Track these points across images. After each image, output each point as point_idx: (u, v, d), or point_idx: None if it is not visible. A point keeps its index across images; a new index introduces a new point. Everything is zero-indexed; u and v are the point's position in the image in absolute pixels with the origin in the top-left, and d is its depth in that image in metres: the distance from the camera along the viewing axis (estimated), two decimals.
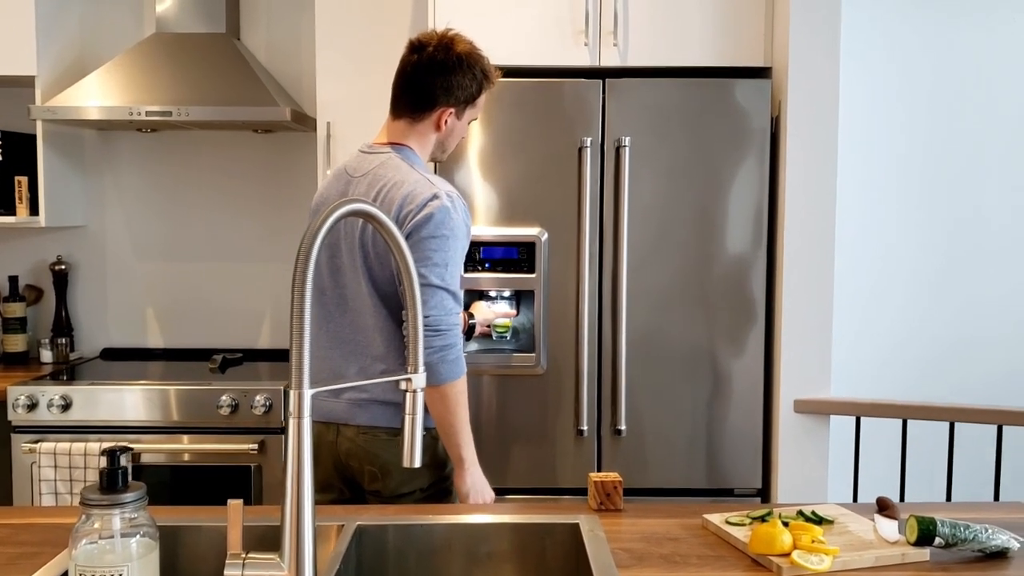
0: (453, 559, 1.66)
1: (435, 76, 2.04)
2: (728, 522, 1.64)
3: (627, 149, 2.79)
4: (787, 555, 1.46)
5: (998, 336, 3.62)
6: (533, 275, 2.81)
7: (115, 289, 3.58)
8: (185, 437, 2.90)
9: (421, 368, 1.40)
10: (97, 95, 3.05)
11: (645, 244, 2.84)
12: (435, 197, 1.95)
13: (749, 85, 2.81)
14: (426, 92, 2.04)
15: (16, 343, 3.40)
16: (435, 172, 2.76)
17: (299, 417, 1.20)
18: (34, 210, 3.21)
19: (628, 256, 2.82)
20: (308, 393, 1.20)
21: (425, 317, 1.92)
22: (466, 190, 2.76)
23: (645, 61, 2.89)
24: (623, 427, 2.85)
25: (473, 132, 2.78)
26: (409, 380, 1.38)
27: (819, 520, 1.64)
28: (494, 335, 2.68)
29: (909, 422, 2.86)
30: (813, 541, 1.50)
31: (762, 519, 1.65)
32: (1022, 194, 3.60)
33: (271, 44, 3.50)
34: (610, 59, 2.89)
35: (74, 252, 3.55)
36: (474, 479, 1.99)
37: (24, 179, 3.18)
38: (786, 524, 1.57)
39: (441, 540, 1.66)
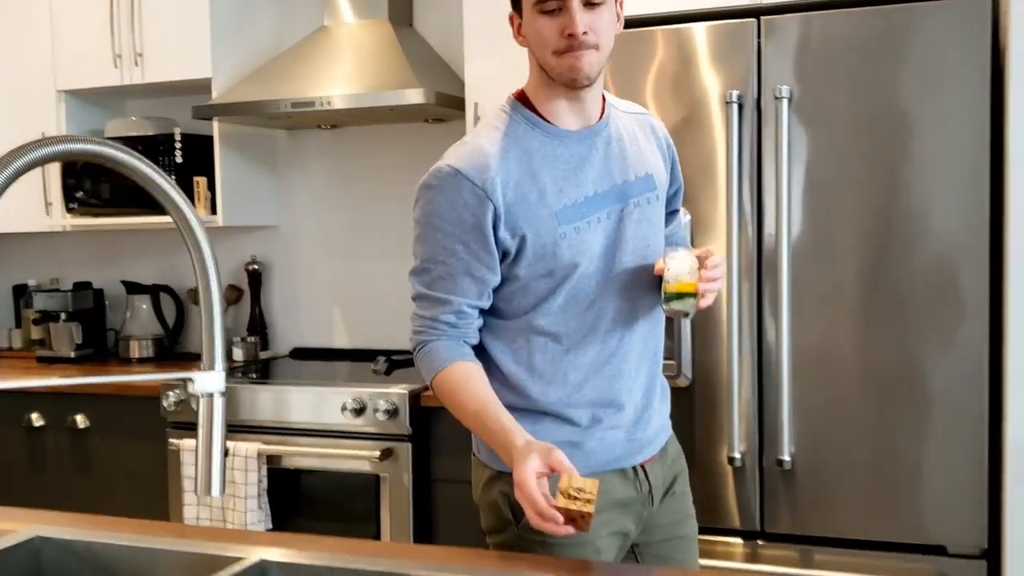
0: None
1: None
2: None
3: (786, 101, 2.20)
4: None
5: None
6: None
7: (305, 288, 3.56)
8: (307, 441, 2.75)
9: (217, 364, 1.06)
10: (250, 92, 3.02)
11: (815, 226, 2.22)
12: (432, 170, 1.58)
13: (958, 7, 2.11)
14: None
15: None
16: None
17: None
18: (215, 210, 3.26)
19: (792, 241, 2.23)
20: None
21: None
22: None
23: None
24: (786, 457, 2.25)
25: None
26: (191, 380, 1.05)
27: None
28: (666, 305, 1.56)
29: None
30: None
31: None
32: None
33: (444, 28, 3.29)
34: None
35: (268, 252, 3.59)
36: (513, 481, 1.39)
37: (203, 179, 3.24)
38: None
39: None
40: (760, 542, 2.31)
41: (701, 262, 1.56)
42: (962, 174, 2.12)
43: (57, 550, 1.44)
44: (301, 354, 3.53)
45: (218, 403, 1.06)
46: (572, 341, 1.58)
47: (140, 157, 0.99)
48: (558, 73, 1.52)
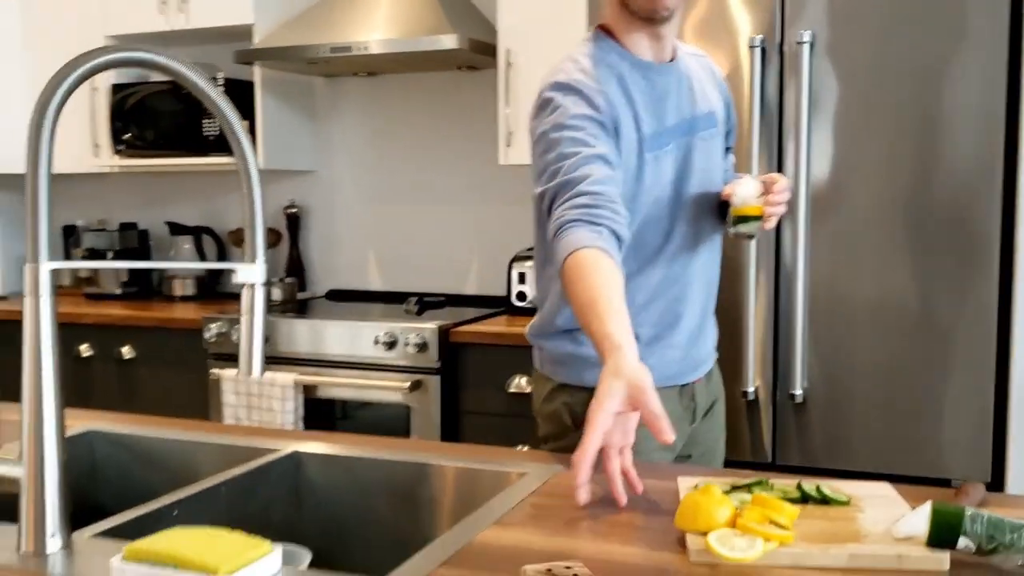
0: (383, 498, 1.41)
1: None
2: (696, 488, 1.21)
3: (807, 46, 2.26)
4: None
5: None
6: None
7: (342, 232, 3.67)
8: (341, 373, 2.88)
9: (258, 257, 1.17)
10: (290, 38, 3.12)
11: (835, 168, 2.29)
12: (540, 93, 1.57)
13: None
14: None
15: None
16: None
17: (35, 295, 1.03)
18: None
19: (811, 183, 2.29)
20: (46, 267, 1.03)
21: None
22: None
23: None
24: (798, 392, 2.33)
25: None
26: (233, 272, 1.16)
27: (823, 499, 1.15)
28: (733, 228, 1.62)
29: None
30: (770, 521, 1.04)
31: (748, 489, 1.19)
32: None
33: None
34: None
35: (306, 197, 3.71)
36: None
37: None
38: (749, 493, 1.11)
39: (372, 476, 1.41)
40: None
41: (767, 187, 1.61)
42: (979, 119, 2.17)
43: (109, 443, 1.57)
44: (337, 295, 3.65)
45: (259, 292, 1.17)
46: (641, 263, 1.61)
47: (196, 68, 1.09)
48: (639, 5, 1.53)
